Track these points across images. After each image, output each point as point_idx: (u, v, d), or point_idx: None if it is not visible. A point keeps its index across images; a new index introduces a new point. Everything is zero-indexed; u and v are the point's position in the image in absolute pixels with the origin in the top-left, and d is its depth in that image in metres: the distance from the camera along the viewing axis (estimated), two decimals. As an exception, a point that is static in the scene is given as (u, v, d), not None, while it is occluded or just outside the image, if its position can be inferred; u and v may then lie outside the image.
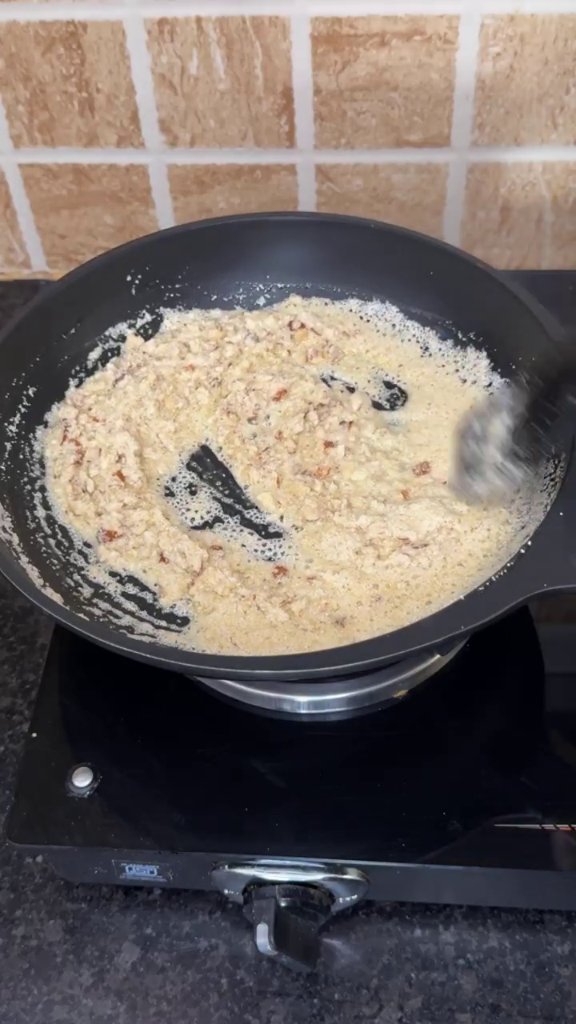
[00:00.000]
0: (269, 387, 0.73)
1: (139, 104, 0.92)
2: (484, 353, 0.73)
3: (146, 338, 0.77)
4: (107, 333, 0.77)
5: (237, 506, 0.68)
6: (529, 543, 0.56)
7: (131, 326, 0.78)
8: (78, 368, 0.75)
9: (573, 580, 0.53)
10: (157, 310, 0.78)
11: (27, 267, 1.07)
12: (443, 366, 0.75)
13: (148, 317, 0.78)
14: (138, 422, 0.72)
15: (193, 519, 0.68)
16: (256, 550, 0.65)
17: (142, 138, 0.94)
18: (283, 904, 0.56)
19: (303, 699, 0.63)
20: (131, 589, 0.63)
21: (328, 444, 0.70)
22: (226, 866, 0.57)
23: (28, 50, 0.89)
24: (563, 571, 0.53)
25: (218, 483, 0.70)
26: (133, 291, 0.77)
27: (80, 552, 0.66)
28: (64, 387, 0.74)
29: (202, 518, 0.68)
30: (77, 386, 0.74)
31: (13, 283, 1.06)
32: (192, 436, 0.73)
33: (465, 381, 0.74)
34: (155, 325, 0.79)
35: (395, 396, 0.75)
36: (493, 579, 0.55)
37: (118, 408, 0.72)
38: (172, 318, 0.79)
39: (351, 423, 0.71)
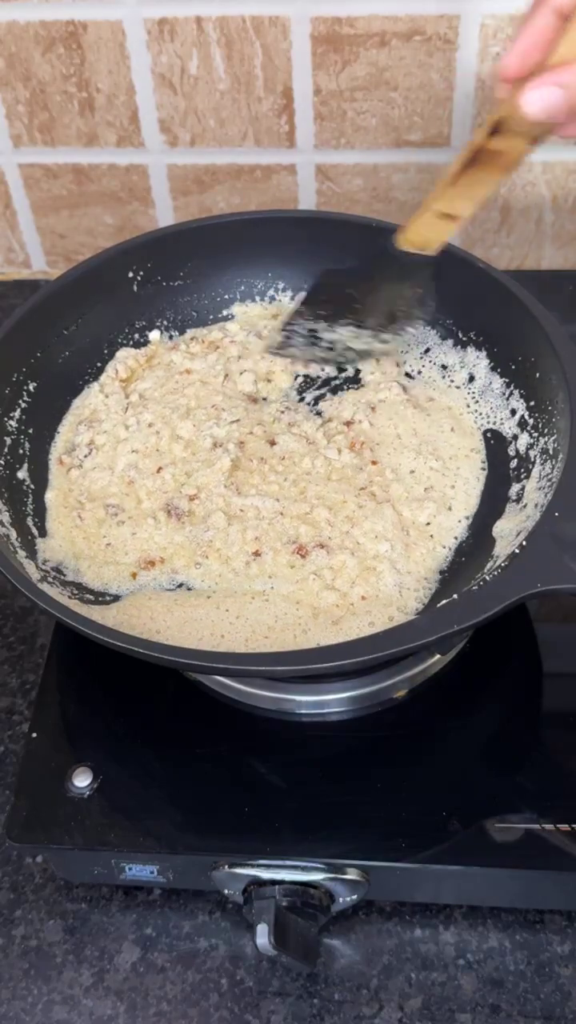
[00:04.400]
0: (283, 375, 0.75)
1: (139, 104, 0.92)
2: (484, 353, 0.73)
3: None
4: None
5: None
6: (524, 543, 0.56)
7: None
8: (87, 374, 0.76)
9: (567, 580, 0.53)
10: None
11: (27, 267, 1.07)
12: (443, 366, 0.75)
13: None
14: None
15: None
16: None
17: (142, 138, 0.94)
18: (283, 904, 0.56)
19: (303, 699, 0.63)
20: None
21: (349, 423, 0.71)
22: (226, 866, 0.57)
23: (28, 50, 0.89)
24: (558, 571, 0.53)
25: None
26: (135, 287, 0.77)
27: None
28: (66, 385, 0.74)
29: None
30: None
31: (13, 283, 1.06)
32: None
33: (465, 381, 0.74)
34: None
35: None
36: (488, 578, 0.55)
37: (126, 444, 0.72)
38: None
39: (374, 407, 0.72)
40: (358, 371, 0.76)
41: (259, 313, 0.80)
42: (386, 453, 0.69)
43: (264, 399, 0.74)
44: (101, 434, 0.71)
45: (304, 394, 0.75)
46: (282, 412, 0.72)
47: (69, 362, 0.75)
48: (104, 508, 0.67)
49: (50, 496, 0.69)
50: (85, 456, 0.70)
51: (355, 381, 0.76)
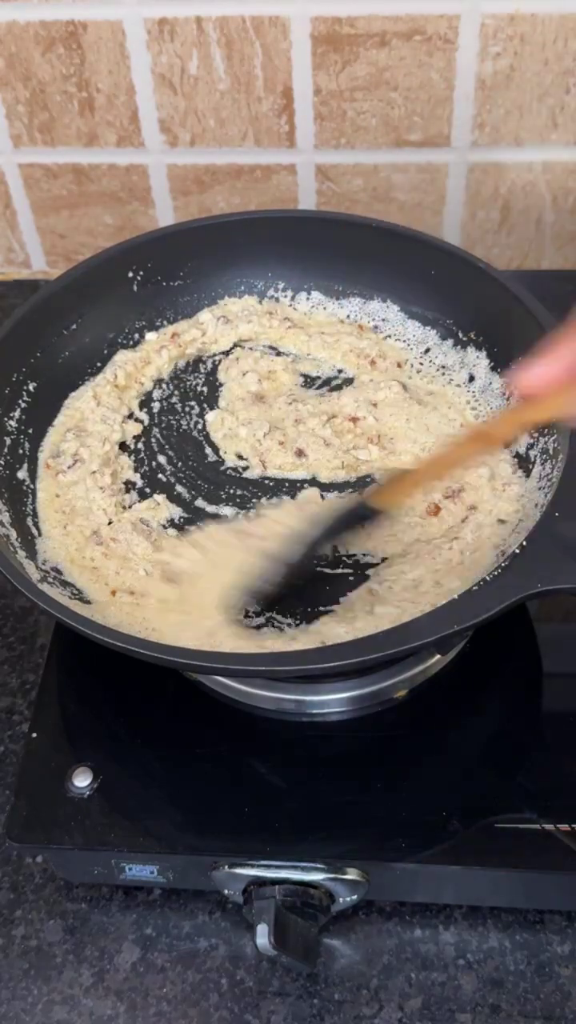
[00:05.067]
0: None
1: (139, 104, 0.92)
2: (484, 353, 0.73)
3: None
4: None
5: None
6: (524, 543, 0.56)
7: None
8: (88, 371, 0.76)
9: (568, 580, 0.53)
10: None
11: (27, 267, 1.07)
12: (443, 366, 0.75)
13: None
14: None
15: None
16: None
17: (142, 138, 0.94)
18: (283, 904, 0.56)
19: (303, 699, 0.63)
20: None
21: (354, 419, 0.71)
22: (226, 866, 0.57)
23: (28, 50, 0.89)
24: (558, 571, 0.53)
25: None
26: (135, 287, 0.77)
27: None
28: (66, 385, 0.74)
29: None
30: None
31: (13, 283, 1.06)
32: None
33: (464, 381, 0.74)
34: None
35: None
36: (488, 578, 0.55)
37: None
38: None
39: (375, 404, 0.72)
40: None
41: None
42: (406, 447, 0.70)
43: (262, 399, 0.74)
44: (85, 447, 0.70)
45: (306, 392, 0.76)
46: (289, 404, 0.73)
47: (69, 362, 0.75)
48: (91, 535, 0.66)
49: (41, 497, 0.68)
50: (69, 467, 0.69)
51: (353, 381, 0.76)
